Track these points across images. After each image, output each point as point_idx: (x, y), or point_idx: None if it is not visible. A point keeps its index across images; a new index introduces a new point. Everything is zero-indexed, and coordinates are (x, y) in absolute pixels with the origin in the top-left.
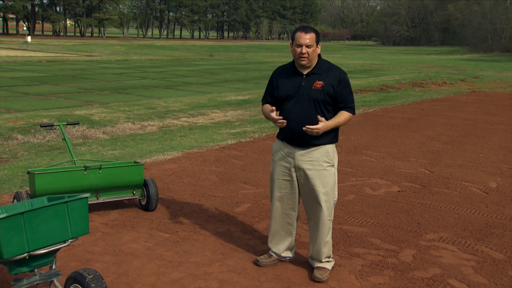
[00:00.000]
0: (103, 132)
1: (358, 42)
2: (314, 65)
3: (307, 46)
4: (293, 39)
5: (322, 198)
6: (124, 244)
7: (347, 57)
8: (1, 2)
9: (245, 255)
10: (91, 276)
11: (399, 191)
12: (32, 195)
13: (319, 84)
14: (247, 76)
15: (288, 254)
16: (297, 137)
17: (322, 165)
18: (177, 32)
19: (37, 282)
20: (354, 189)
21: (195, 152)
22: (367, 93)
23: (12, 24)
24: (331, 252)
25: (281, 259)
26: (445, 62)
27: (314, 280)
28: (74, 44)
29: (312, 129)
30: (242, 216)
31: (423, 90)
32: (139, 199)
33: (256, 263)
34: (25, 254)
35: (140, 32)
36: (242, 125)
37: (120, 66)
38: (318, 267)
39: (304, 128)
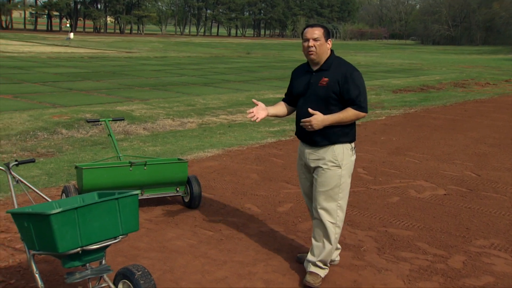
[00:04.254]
0: (143, 128)
1: (396, 41)
2: (323, 62)
3: (314, 40)
4: (302, 37)
5: (321, 197)
6: (168, 241)
7: (385, 56)
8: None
9: (289, 256)
10: (140, 273)
11: (445, 194)
12: (79, 189)
13: (324, 81)
14: (285, 74)
15: (336, 256)
16: (305, 135)
17: (326, 164)
18: (214, 30)
19: (88, 277)
20: (397, 191)
21: (235, 150)
22: (406, 93)
23: (55, 21)
24: (329, 259)
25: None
26: (488, 62)
27: (305, 284)
28: (114, 41)
29: (304, 122)
30: (285, 215)
31: (465, 91)
32: (182, 196)
33: (298, 260)
34: (79, 249)
35: (178, 29)
36: (281, 123)
37: (159, 62)
38: (311, 272)
39: (301, 124)
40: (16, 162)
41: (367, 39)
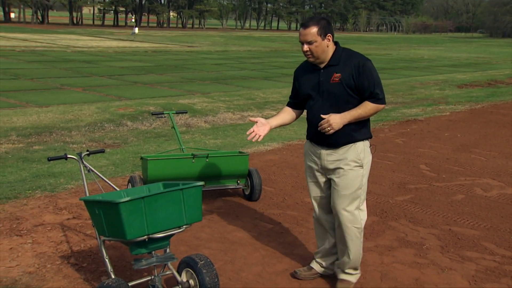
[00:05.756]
0: (204, 121)
1: (463, 34)
2: (330, 57)
3: (308, 43)
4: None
5: (345, 202)
6: (229, 232)
7: (450, 50)
8: None
9: None
10: (202, 262)
11: None
12: (144, 180)
13: (336, 77)
14: None
15: (331, 266)
16: (321, 136)
17: (349, 164)
18: (274, 24)
19: (154, 264)
20: (462, 188)
21: (295, 144)
22: (473, 88)
23: (121, 16)
24: (359, 264)
25: (322, 273)
26: None
27: None
28: (176, 35)
29: (322, 124)
30: None
31: None
32: (243, 189)
33: (294, 275)
34: (145, 237)
35: (238, 24)
36: None
37: (220, 56)
38: (342, 280)
39: (319, 128)
40: (88, 152)
41: (431, 32)
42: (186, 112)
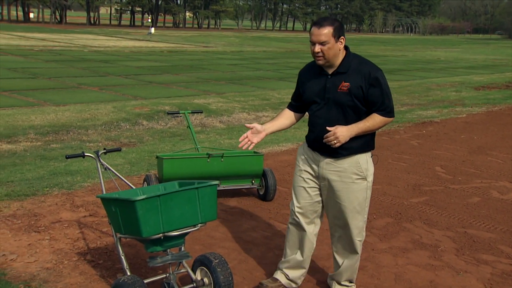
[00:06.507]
0: (219, 121)
1: (480, 35)
2: (339, 63)
3: (321, 43)
4: (310, 36)
5: (349, 215)
6: (243, 232)
7: (467, 51)
8: None
9: (363, 253)
10: (217, 261)
11: None
12: (160, 179)
13: (345, 86)
14: None
15: (299, 279)
16: (323, 145)
17: (350, 177)
18: (289, 24)
19: (169, 262)
20: (478, 191)
21: None
22: (490, 90)
23: (138, 16)
24: (355, 276)
25: (286, 286)
26: None
27: None
28: (192, 35)
29: (328, 137)
30: None
31: None
32: (257, 189)
33: None
34: (160, 234)
35: (254, 24)
36: None
37: (235, 57)
38: None
39: (324, 140)
40: (105, 150)
41: (448, 33)
42: (202, 112)
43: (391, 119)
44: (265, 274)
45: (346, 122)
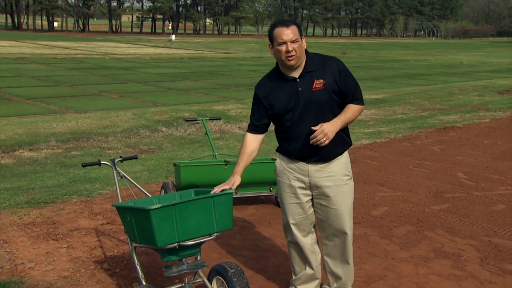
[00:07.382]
0: (238, 127)
1: (504, 38)
2: (304, 63)
3: (293, 42)
4: (272, 39)
5: (346, 219)
6: (261, 240)
7: (491, 55)
8: (151, 3)
9: (383, 262)
10: (233, 270)
11: None
12: (177, 186)
13: (319, 83)
14: (381, 75)
15: None
16: (310, 151)
17: (342, 179)
18: (309, 30)
19: (184, 271)
20: (503, 198)
21: None
22: None
23: (159, 24)
24: (350, 283)
25: None
26: None
27: None
28: (212, 42)
29: (317, 135)
30: (379, 219)
31: None
32: (275, 196)
33: None
34: (176, 244)
35: None
36: (376, 124)
37: (255, 63)
38: None
39: (312, 141)
40: (121, 158)
41: (471, 37)
42: (220, 119)
43: (363, 106)
44: (283, 284)
45: (325, 120)
